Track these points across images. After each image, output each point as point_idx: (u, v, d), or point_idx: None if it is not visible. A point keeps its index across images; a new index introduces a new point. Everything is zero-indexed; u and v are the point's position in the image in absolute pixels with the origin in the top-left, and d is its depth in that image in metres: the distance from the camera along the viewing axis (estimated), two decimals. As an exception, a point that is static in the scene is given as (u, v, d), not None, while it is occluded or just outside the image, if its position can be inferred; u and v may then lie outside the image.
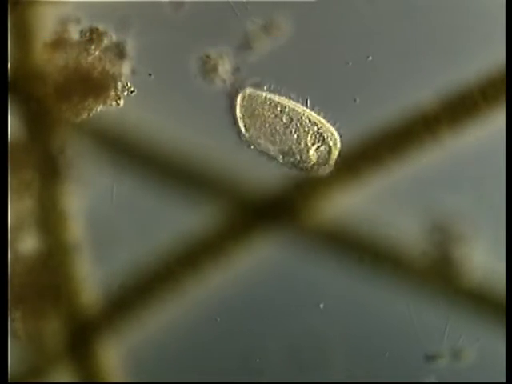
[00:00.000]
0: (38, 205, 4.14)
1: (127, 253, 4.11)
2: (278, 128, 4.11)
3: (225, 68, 4.15)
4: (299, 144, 4.11)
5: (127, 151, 4.16)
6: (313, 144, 4.10)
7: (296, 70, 4.15)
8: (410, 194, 4.10)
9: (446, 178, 4.09)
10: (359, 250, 4.09)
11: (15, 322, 4.11)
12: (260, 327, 4.10)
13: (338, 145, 4.09)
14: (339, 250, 4.10)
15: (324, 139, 4.10)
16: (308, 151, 4.10)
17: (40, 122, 4.16)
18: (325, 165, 4.11)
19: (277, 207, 4.13)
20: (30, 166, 4.14)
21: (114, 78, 4.15)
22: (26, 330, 4.12)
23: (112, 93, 4.15)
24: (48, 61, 4.15)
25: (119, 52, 4.16)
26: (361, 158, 4.12)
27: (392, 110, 4.10)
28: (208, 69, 4.15)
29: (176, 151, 4.14)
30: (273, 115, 4.12)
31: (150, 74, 4.16)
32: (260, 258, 4.10)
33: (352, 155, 4.12)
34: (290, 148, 4.10)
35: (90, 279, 4.12)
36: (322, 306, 4.08)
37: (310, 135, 4.11)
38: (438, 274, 4.07)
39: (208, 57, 4.15)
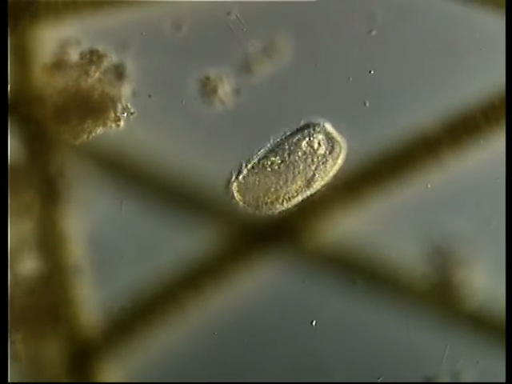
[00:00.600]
0: (38, 227, 4.14)
1: (128, 275, 4.11)
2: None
3: (224, 90, 4.14)
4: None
5: (127, 173, 4.15)
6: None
7: (296, 89, 4.15)
8: (410, 217, 4.09)
9: (447, 201, 4.09)
10: (359, 271, 4.08)
11: (16, 344, 4.12)
12: (260, 348, 4.10)
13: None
14: (339, 272, 4.10)
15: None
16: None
17: (39, 144, 4.15)
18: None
19: (277, 229, 4.13)
20: (30, 188, 4.14)
21: (114, 100, 4.14)
22: (27, 352, 4.13)
23: (111, 114, 4.14)
24: (48, 83, 4.14)
25: (119, 74, 4.15)
26: (362, 180, 4.11)
27: (393, 131, 4.09)
28: (208, 90, 4.15)
29: (176, 173, 4.13)
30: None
31: (149, 96, 4.15)
32: (260, 279, 4.10)
33: (353, 177, 4.11)
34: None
35: (91, 301, 4.12)
36: (315, 324, 4.08)
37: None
38: (438, 297, 4.06)
39: (207, 78, 4.14)
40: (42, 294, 4.13)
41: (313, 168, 4.10)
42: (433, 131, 4.08)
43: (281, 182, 4.11)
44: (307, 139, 4.10)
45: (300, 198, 4.09)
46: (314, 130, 4.10)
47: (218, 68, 4.13)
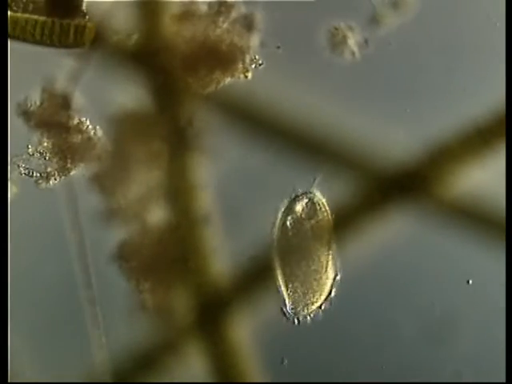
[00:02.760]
0: (167, 176, 4.15)
1: (256, 225, 4.12)
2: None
3: (354, 40, 4.14)
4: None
5: (255, 123, 4.16)
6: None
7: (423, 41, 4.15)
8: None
9: None
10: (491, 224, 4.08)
11: (144, 294, 4.13)
12: (391, 299, 4.10)
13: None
14: (470, 224, 4.10)
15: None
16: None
17: (168, 94, 4.17)
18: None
19: (411, 178, 4.13)
20: (159, 138, 4.16)
21: (242, 51, 4.15)
22: (155, 302, 4.14)
23: (240, 65, 4.15)
24: (176, 33, 4.16)
25: (248, 24, 4.15)
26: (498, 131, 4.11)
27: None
28: (337, 41, 4.15)
29: (304, 123, 4.14)
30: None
31: (278, 47, 4.16)
32: (395, 229, 4.11)
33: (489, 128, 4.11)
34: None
35: (220, 251, 4.13)
36: (470, 281, 4.10)
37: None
38: None
39: (337, 29, 4.14)
40: (171, 243, 4.14)
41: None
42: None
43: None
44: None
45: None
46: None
47: (346, 19, 4.14)
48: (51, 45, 4.12)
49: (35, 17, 4.12)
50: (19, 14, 4.12)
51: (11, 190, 4.12)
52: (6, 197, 4.03)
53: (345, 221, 4.13)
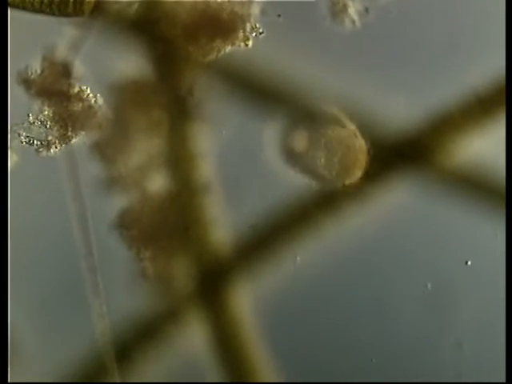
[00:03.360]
0: (167, 144, 4.15)
1: (257, 194, 4.12)
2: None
3: (354, 9, 4.14)
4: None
5: (256, 92, 4.16)
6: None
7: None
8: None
9: None
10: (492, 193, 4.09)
11: (144, 262, 4.14)
12: (395, 270, 4.11)
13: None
14: (470, 192, 4.10)
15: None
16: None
17: (168, 62, 4.16)
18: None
19: (412, 147, 4.13)
20: (159, 106, 4.16)
21: (243, 19, 4.15)
22: (155, 270, 4.15)
23: (240, 34, 4.15)
24: (176, 2, 4.16)
25: (249, -8, 4.16)
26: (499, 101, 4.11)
27: None
28: (337, 10, 4.15)
29: (305, 92, 4.14)
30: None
31: (278, 15, 4.16)
32: (394, 200, 4.11)
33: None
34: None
35: (220, 219, 4.14)
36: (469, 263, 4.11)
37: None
38: None
39: (337, -3, 4.15)
40: (171, 211, 4.14)
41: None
42: None
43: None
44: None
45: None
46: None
47: (347, -13, 4.14)
48: (50, 13, 4.12)
49: (33, -15, 4.13)
50: (18, -18, 4.12)
51: (11, 159, 4.12)
52: (7, 165, 4.03)
53: (347, 189, 4.14)
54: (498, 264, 4.02)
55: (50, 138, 4.14)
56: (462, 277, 4.11)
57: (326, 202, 4.13)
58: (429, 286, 4.10)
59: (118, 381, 4.14)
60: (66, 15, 4.12)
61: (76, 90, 4.14)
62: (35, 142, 4.14)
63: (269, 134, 4.14)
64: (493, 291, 4.06)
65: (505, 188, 3.99)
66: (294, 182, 4.13)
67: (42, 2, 4.10)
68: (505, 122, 4.03)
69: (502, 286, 3.92)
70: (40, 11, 4.12)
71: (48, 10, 4.12)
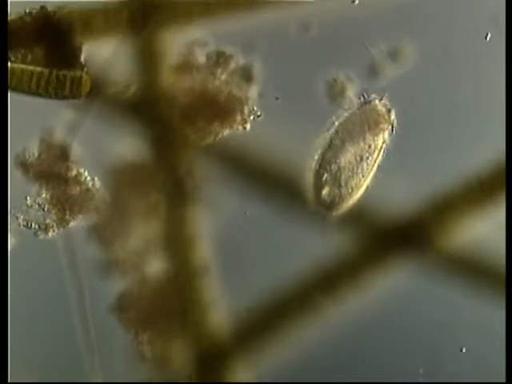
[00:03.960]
0: (165, 227, 4.15)
1: (255, 277, 4.12)
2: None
3: (352, 91, 4.12)
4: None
5: (254, 174, 4.15)
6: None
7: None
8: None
9: None
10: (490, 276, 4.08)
11: (142, 345, 4.14)
12: (390, 354, 4.11)
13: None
14: (470, 276, 4.09)
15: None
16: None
17: (166, 145, 4.16)
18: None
19: (410, 231, 4.13)
20: (157, 189, 4.15)
21: (241, 102, 4.13)
22: (154, 353, 4.15)
23: (238, 117, 4.13)
24: (174, 84, 4.14)
25: (246, 75, 4.14)
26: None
27: None
28: (335, 92, 4.13)
29: (304, 176, 4.13)
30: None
31: (276, 98, 4.14)
32: (394, 282, 4.11)
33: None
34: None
35: (218, 302, 4.14)
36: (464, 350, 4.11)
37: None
38: None
39: (335, 80, 4.12)
40: (169, 294, 4.15)
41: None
42: None
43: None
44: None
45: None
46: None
47: (344, 70, 4.12)
48: (47, 96, 4.11)
49: (31, 67, 4.11)
50: (15, 65, 4.11)
51: (10, 241, 4.13)
52: (6, 248, 4.04)
53: (346, 271, 4.14)
54: (496, 351, 4.02)
55: (47, 221, 4.14)
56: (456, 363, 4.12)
57: (326, 283, 4.13)
58: (421, 370, 4.11)
59: None
60: (63, 98, 4.11)
61: (73, 173, 4.14)
62: (33, 225, 4.14)
63: (267, 215, 4.14)
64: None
65: (504, 272, 3.98)
66: (294, 264, 4.13)
67: (38, 85, 4.10)
68: (505, 205, 4.02)
69: (501, 373, 3.92)
70: (37, 94, 4.12)
71: (44, 93, 4.11)
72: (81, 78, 4.10)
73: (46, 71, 4.11)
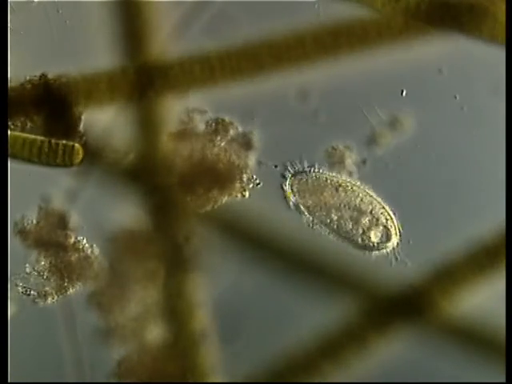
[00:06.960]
0: (164, 294, 4.16)
1: (255, 344, 4.13)
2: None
3: (351, 160, 4.11)
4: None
5: (253, 242, 4.15)
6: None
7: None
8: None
9: None
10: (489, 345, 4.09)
11: (142, 412, 4.17)
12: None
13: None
14: (469, 346, 4.10)
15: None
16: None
17: (165, 212, 4.16)
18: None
19: (410, 301, 4.13)
20: (155, 256, 4.16)
21: (240, 170, 4.13)
22: (153, 419, 4.18)
23: (237, 185, 4.13)
24: (173, 151, 4.14)
25: (245, 143, 4.13)
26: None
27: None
28: (334, 161, 4.12)
29: (304, 243, 4.13)
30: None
31: (275, 166, 4.13)
32: (396, 351, 4.12)
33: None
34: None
35: (218, 369, 4.15)
36: None
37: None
38: None
39: (334, 149, 4.11)
40: (169, 360, 4.16)
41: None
42: None
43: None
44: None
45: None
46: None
47: (344, 139, 4.11)
48: (41, 163, 4.10)
49: (24, 135, 4.10)
50: (9, 133, 4.10)
51: (10, 309, 4.13)
52: (6, 315, 4.04)
53: (349, 337, 4.14)
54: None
55: (46, 288, 4.15)
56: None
57: (328, 348, 4.14)
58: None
59: None
60: (56, 166, 4.11)
61: (72, 240, 4.14)
62: (32, 292, 4.15)
63: (266, 282, 4.14)
64: None
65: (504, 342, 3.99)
66: (295, 331, 4.14)
67: (31, 153, 4.08)
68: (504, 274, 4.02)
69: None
70: (30, 161, 4.11)
71: (37, 161, 4.10)
72: (73, 146, 4.09)
73: (39, 139, 4.10)
